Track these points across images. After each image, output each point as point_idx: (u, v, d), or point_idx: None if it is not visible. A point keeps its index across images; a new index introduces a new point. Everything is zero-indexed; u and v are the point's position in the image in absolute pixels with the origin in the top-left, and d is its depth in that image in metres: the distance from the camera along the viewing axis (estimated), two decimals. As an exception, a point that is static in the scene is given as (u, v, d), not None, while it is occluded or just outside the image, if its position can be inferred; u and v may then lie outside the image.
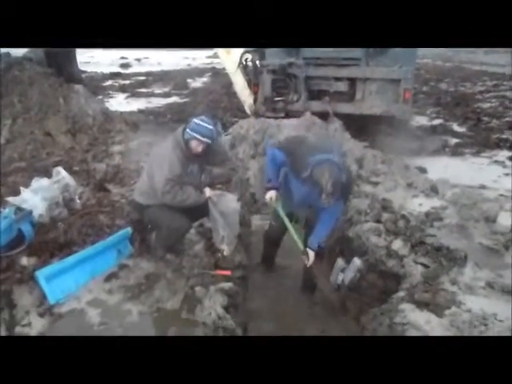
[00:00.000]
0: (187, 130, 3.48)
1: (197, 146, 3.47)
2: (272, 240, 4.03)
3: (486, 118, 9.34)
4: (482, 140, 7.84)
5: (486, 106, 10.51)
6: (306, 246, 3.55)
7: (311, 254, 3.52)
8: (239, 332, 3.06)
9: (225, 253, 3.72)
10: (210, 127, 3.48)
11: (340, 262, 3.90)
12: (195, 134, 3.43)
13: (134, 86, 14.78)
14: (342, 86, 7.42)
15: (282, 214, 3.68)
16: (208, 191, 3.67)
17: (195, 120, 3.51)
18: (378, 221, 4.22)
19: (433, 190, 4.84)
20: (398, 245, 3.82)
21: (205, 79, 16.31)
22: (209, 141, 3.49)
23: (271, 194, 3.61)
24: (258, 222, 5.06)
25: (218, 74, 16.11)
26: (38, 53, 7.78)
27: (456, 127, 8.89)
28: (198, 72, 18.01)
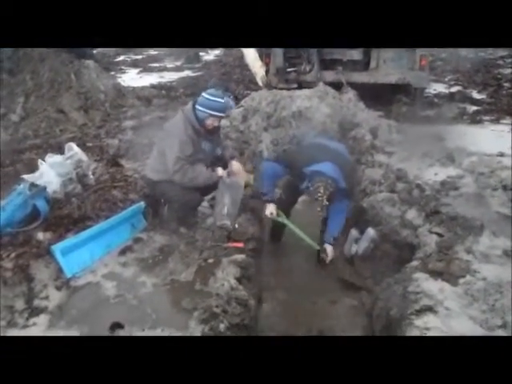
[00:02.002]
0: (198, 106, 3.44)
1: (212, 123, 3.47)
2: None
3: (506, 84, 9.01)
4: (502, 107, 7.57)
5: (507, 71, 10.13)
6: (322, 242, 3.64)
7: (329, 248, 3.58)
8: (252, 303, 3.08)
9: (230, 226, 3.71)
10: (222, 101, 3.45)
11: (354, 232, 3.89)
12: (209, 111, 3.40)
13: (146, 60, 14.65)
14: (356, 55, 7.24)
15: (289, 224, 3.78)
16: (221, 171, 3.64)
17: (205, 95, 3.46)
18: (393, 191, 4.16)
19: (449, 158, 4.74)
20: (412, 214, 3.77)
21: (217, 52, 16.05)
22: (223, 115, 3.48)
23: (271, 209, 3.67)
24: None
25: (231, 47, 15.86)
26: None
27: (475, 94, 8.61)
28: (211, 45, 17.73)
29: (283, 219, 3.77)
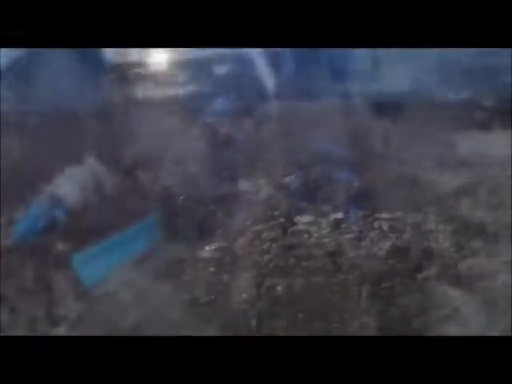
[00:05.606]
0: None
1: None
2: None
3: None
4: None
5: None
6: None
7: None
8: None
9: None
10: None
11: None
12: None
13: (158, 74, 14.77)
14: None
15: None
16: None
17: None
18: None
19: (462, 164, 4.71)
20: (425, 221, 3.75)
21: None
22: None
23: None
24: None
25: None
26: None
27: (485, 100, 8.57)
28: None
29: None
